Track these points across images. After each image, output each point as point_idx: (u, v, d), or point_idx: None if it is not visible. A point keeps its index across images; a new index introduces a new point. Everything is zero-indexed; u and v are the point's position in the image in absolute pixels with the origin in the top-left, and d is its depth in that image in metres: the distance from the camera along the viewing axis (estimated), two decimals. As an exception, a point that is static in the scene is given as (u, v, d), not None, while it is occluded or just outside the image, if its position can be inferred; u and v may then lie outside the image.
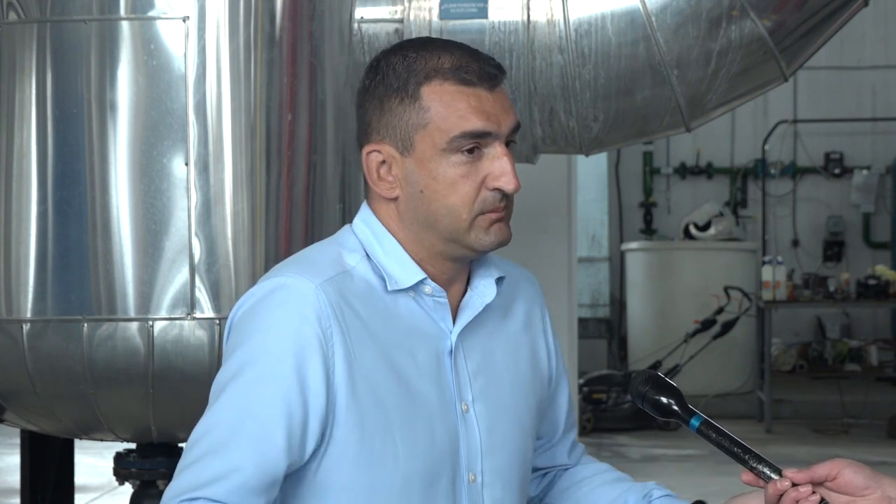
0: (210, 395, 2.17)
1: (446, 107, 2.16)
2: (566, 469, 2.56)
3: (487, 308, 2.28)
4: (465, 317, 2.26)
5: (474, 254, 2.22)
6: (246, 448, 2.10)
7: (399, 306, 2.21)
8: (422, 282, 2.21)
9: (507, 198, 2.20)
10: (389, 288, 2.20)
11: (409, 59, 2.20)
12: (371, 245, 2.23)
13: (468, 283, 2.29)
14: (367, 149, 2.22)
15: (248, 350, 2.14)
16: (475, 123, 2.16)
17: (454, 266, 2.25)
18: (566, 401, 2.52)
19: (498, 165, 2.18)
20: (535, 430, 2.40)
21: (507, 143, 2.21)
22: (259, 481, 2.11)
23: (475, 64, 2.19)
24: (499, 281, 2.30)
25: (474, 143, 2.17)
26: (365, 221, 2.26)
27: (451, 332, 2.24)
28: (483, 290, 2.28)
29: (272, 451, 2.11)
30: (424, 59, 2.19)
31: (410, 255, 2.22)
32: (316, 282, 2.15)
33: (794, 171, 15.34)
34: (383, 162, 2.21)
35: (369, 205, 2.27)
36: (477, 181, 2.17)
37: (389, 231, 2.23)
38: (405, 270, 2.21)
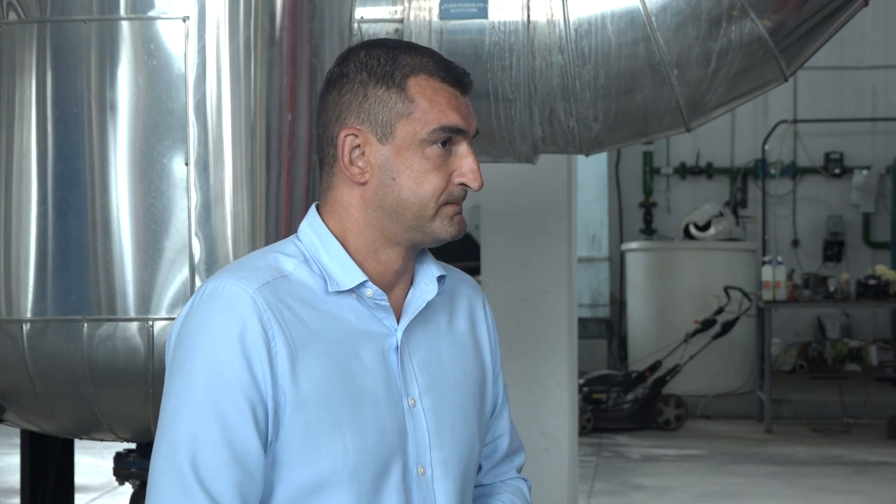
0: (162, 406, 2.25)
1: (430, 100, 2.28)
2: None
3: (432, 308, 2.39)
4: (409, 314, 2.35)
5: (433, 243, 2.32)
6: (225, 458, 2.19)
7: (342, 307, 2.30)
8: (363, 284, 2.29)
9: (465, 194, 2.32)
10: (330, 289, 2.28)
11: (392, 53, 2.31)
12: (315, 248, 2.32)
13: (412, 283, 2.39)
14: (344, 132, 2.30)
15: (199, 361, 2.22)
16: (454, 119, 2.28)
17: (404, 257, 2.33)
18: (506, 424, 2.59)
19: (466, 163, 2.29)
20: (483, 427, 2.47)
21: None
22: (248, 484, 2.21)
23: (452, 66, 2.33)
24: (440, 279, 2.39)
25: (449, 137, 2.28)
26: (312, 226, 2.34)
27: (395, 331, 2.32)
28: (425, 288, 2.37)
29: (248, 453, 2.21)
30: (410, 55, 2.31)
31: (364, 245, 2.31)
32: (253, 286, 2.24)
33: (794, 171, 15.35)
34: (357, 146, 2.30)
35: (328, 194, 2.34)
36: (446, 175, 2.28)
37: (348, 219, 2.32)
38: (347, 273, 2.29)
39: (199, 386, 2.21)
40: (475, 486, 2.54)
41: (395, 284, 2.34)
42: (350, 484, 2.24)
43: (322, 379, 2.23)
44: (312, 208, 2.37)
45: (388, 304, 2.31)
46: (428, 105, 2.27)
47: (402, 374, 2.32)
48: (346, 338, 2.28)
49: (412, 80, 2.28)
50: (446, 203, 2.28)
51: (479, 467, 2.54)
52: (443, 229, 2.29)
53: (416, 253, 2.35)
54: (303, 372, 2.22)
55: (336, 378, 2.24)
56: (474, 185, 2.28)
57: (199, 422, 2.20)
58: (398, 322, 2.33)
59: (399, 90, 2.27)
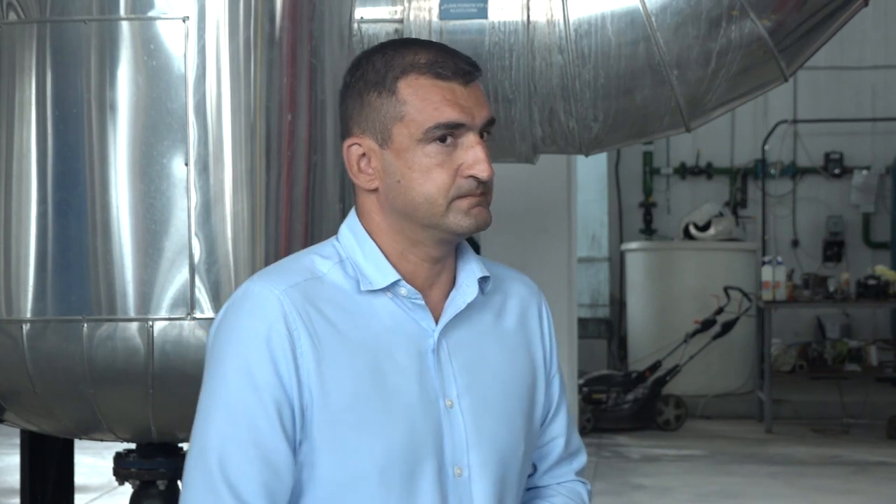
0: (198, 407, 2.29)
1: (422, 99, 2.27)
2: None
3: (479, 307, 2.39)
4: (448, 315, 2.34)
5: (454, 237, 2.31)
6: (252, 458, 2.23)
7: (376, 308, 2.31)
8: (396, 283, 2.30)
9: (483, 185, 2.29)
10: (363, 288, 2.30)
11: (387, 56, 2.30)
12: (353, 249, 2.34)
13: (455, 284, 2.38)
14: (347, 142, 2.33)
15: (228, 363, 2.27)
16: (449, 114, 2.26)
17: (437, 254, 2.33)
18: (562, 426, 2.56)
19: (472, 154, 2.27)
20: (532, 428, 2.46)
21: (483, 135, 2.30)
22: (275, 483, 2.24)
23: (450, 60, 2.30)
24: (483, 280, 2.38)
25: (448, 133, 2.26)
26: (350, 227, 2.37)
27: (433, 331, 2.32)
28: (466, 290, 2.37)
29: (275, 452, 2.23)
30: (402, 55, 2.30)
31: (393, 247, 2.32)
32: (280, 288, 2.27)
33: (793, 172, 15.35)
34: (363, 155, 2.32)
35: (355, 201, 2.37)
36: (452, 170, 2.27)
37: (373, 223, 2.34)
38: (380, 272, 2.31)
39: (228, 387, 2.25)
40: (531, 488, 2.54)
41: (434, 284, 2.35)
42: (379, 484, 2.25)
43: (350, 379, 2.24)
44: (352, 210, 2.38)
45: (423, 303, 2.31)
46: (420, 104, 2.26)
47: (439, 374, 2.31)
48: (378, 338, 2.29)
49: (402, 81, 2.27)
50: (457, 197, 2.27)
51: (535, 469, 2.53)
52: (457, 223, 2.27)
53: (449, 251, 2.35)
54: (329, 372, 2.24)
55: (365, 378, 2.25)
56: (483, 175, 2.26)
57: (227, 422, 2.24)
58: (437, 323, 2.33)
59: (390, 94, 2.28)
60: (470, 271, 2.38)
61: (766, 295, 12.19)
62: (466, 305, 2.35)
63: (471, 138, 2.28)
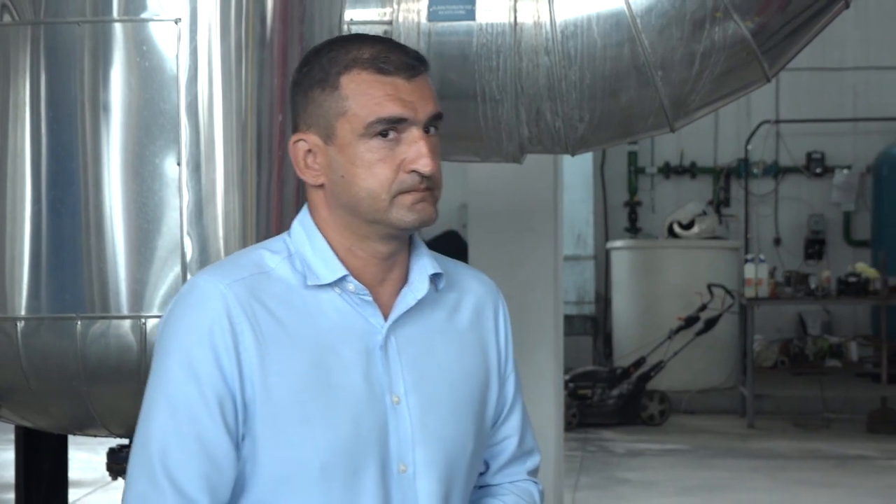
0: (144, 397, 2.27)
1: (363, 94, 2.24)
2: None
3: (431, 304, 2.36)
4: (397, 311, 2.31)
5: (399, 232, 2.28)
6: (193, 451, 2.21)
7: (323, 303, 2.28)
8: (344, 279, 2.28)
9: (428, 179, 2.25)
10: (309, 283, 2.27)
11: (333, 52, 2.28)
12: (302, 244, 2.31)
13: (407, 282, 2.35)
14: (293, 138, 2.31)
15: (172, 356, 2.25)
16: (390, 109, 2.23)
17: (384, 250, 2.30)
18: (516, 426, 2.53)
19: (414, 149, 2.24)
20: (482, 426, 2.42)
21: (430, 130, 2.27)
22: (216, 476, 2.23)
23: (393, 55, 2.27)
24: (435, 277, 2.35)
25: (390, 128, 2.23)
26: (301, 223, 2.35)
27: (382, 327, 2.29)
28: (417, 286, 2.34)
29: (216, 446, 2.22)
30: (346, 51, 2.27)
31: (341, 243, 2.30)
32: (225, 282, 2.25)
33: (776, 171, 15.37)
34: (309, 151, 2.30)
35: (307, 197, 2.35)
36: (394, 164, 2.24)
37: (321, 219, 2.31)
38: (328, 267, 2.28)
39: (171, 380, 2.23)
40: (482, 486, 2.51)
41: (384, 281, 2.32)
42: (320, 478, 2.22)
43: (293, 374, 2.22)
44: (305, 206, 2.36)
45: (371, 299, 2.29)
46: (362, 100, 2.23)
47: (386, 370, 2.28)
48: (324, 333, 2.26)
49: (345, 76, 2.25)
50: (400, 192, 2.23)
51: (487, 467, 2.50)
52: (400, 219, 2.24)
53: (398, 247, 2.32)
54: (272, 366, 2.22)
55: (308, 373, 2.23)
56: (425, 170, 2.23)
57: (169, 415, 2.22)
58: (386, 319, 2.30)
59: (333, 89, 2.25)
60: (422, 267, 2.35)
61: (749, 292, 12.21)
62: (418, 302, 2.32)
63: (414, 133, 2.24)
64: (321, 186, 2.30)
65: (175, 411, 2.22)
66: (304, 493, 2.23)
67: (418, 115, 2.25)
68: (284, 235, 2.37)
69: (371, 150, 2.24)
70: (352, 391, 2.25)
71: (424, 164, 2.23)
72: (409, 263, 2.35)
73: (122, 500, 2.26)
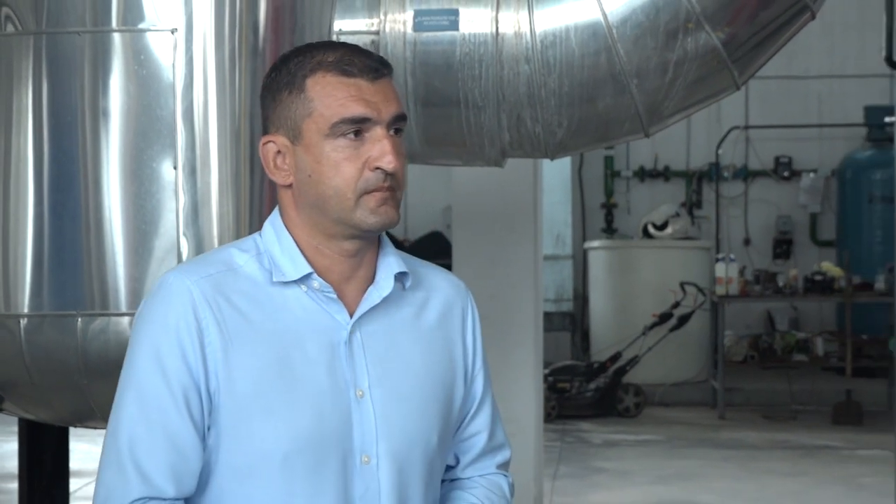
0: (117, 388, 2.29)
1: (328, 96, 2.23)
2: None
3: (398, 302, 2.35)
4: (362, 309, 2.30)
5: (362, 233, 2.27)
6: (159, 440, 2.22)
7: (288, 299, 2.27)
8: (309, 276, 2.27)
9: (392, 178, 2.24)
10: (275, 279, 2.27)
11: (300, 57, 2.28)
12: (272, 243, 2.30)
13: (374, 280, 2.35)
14: (263, 140, 2.30)
15: (141, 348, 2.25)
16: (354, 110, 2.22)
17: (350, 249, 2.29)
18: (485, 422, 2.51)
19: (378, 147, 2.23)
20: (448, 422, 2.40)
21: (395, 131, 2.27)
22: (182, 465, 2.23)
23: (357, 58, 2.26)
24: (402, 276, 2.34)
25: (355, 128, 2.23)
26: (271, 222, 2.34)
27: (347, 324, 2.28)
28: (382, 285, 2.32)
29: (182, 436, 2.22)
30: (312, 55, 2.27)
31: (308, 241, 2.29)
32: (192, 279, 2.25)
33: (745, 174, 15.40)
34: (279, 152, 2.29)
35: (277, 198, 2.34)
36: (360, 163, 2.23)
37: (290, 218, 2.31)
38: (294, 265, 2.28)
39: (140, 372, 2.24)
40: (454, 480, 2.50)
41: (351, 279, 2.31)
42: (283, 469, 2.21)
43: (256, 367, 2.22)
44: (276, 207, 2.36)
45: (335, 296, 2.27)
46: (327, 101, 2.23)
47: (350, 365, 2.27)
48: (289, 329, 2.25)
49: (310, 79, 2.24)
50: (366, 192, 2.22)
51: (458, 461, 2.49)
52: (363, 219, 2.23)
53: (364, 247, 2.31)
54: (236, 360, 2.21)
55: (272, 367, 2.22)
56: (389, 167, 2.21)
57: (137, 406, 2.23)
58: (352, 316, 2.29)
59: (300, 92, 2.25)
60: (388, 266, 2.33)
61: (720, 290, 12.23)
62: (384, 300, 2.31)
63: (378, 132, 2.23)
64: (290, 186, 2.29)
65: (143, 403, 2.23)
66: (266, 483, 2.22)
67: (382, 115, 2.24)
68: (256, 235, 2.36)
69: (337, 150, 2.23)
70: (315, 385, 2.24)
71: (388, 162, 2.22)
72: (377, 262, 2.34)
73: (95, 488, 2.27)
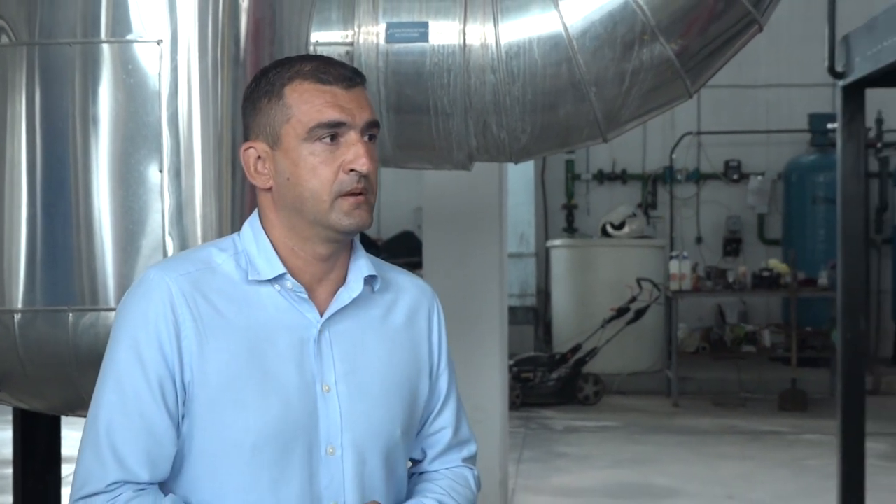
0: (99, 375, 2.30)
1: (305, 102, 2.24)
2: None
3: (367, 304, 2.35)
4: (332, 309, 2.30)
5: (337, 235, 2.27)
6: (136, 427, 2.22)
7: (262, 297, 2.28)
8: (282, 276, 2.28)
9: (365, 180, 2.25)
10: (250, 277, 2.27)
11: (279, 68, 2.29)
12: (249, 243, 2.31)
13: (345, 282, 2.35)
14: (244, 146, 2.31)
15: (121, 340, 2.27)
16: (329, 115, 2.23)
17: (324, 252, 2.30)
18: (450, 418, 2.51)
19: (353, 151, 2.24)
20: (411, 417, 2.41)
21: (369, 137, 2.27)
22: (157, 451, 2.23)
23: (332, 67, 2.27)
24: (370, 279, 2.35)
25: (331, 133, 2.23)
26: (250, 224, 2.35)
27: (317, 323, 2.28)
28: (352, 286, 2.33)
29: (157, 423, 2.23)
30: (290, 65, 2.28)
31: (284, 243, 2.29)
32: (171, 276, 2.25)
33: (697, 177, 15.45)
34: (259, 157, 2.29)
35: (257, 201, 2.35)
36: (335, 166, 2.23)
37: (268, 221, 2.31)
38: (269, 265, 2.28)
39: (119, 363, 2.25)
40: (421, 473, 2.50)
41: (323, 280, 2.31)
42: (251, 458, 2.22)
43: (229, 361, 2.22)
44: (256, 210, 2.36)
45: (307, 296, 2.28)
46: (304, 107, 2.23)
47: (319, 361, 2.28)
48: (261, 325, 2.26)
49: (288, 87, 2.25)
50: (341, 195, 2.23)
51: (425, 455, 2.49)
52: (338, 221, 2.24)
53: (337, 250, 2.31)
54: (210, 353, 2.22)
55: (244, 361, 2.23)
56: (362, 169, 2.22)
57: (116, 394, 2.24)
58: (323, 315, 2.30)
59: (278, 99, 2.25)
60: (358, 269, 2.34)
61: (674, 285, 12.27)
62: (353, 301, 2.31)
63: (352, 136, 2.24)
64: (269, 189, 2.30)
65: (122, 392, 2.23)
66: (236, 470, 2.23)
67: (356, 121, 2.25)
68: (235, 235, 2.36)
69: (314, 154, 2.23)
70: (284, 379, 2.25)
71: (362, 164, 2.22)
72: (349, 265, 2.35)
73: (74, 471, 2.27)
